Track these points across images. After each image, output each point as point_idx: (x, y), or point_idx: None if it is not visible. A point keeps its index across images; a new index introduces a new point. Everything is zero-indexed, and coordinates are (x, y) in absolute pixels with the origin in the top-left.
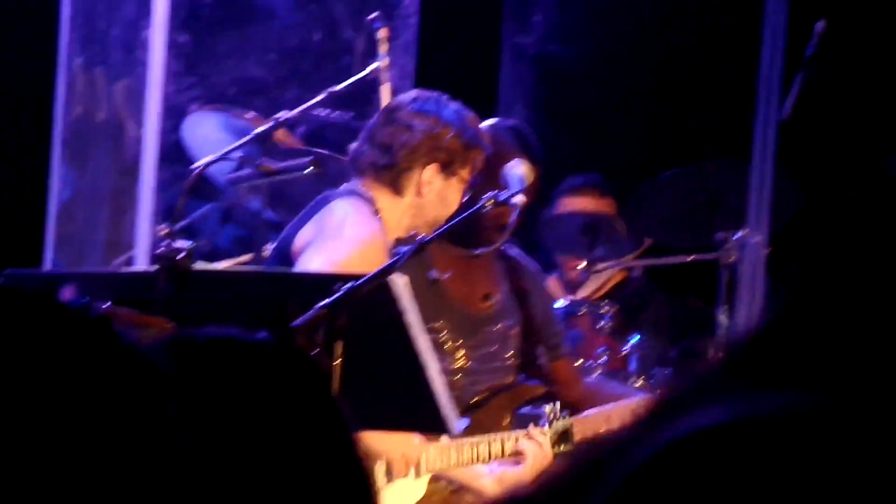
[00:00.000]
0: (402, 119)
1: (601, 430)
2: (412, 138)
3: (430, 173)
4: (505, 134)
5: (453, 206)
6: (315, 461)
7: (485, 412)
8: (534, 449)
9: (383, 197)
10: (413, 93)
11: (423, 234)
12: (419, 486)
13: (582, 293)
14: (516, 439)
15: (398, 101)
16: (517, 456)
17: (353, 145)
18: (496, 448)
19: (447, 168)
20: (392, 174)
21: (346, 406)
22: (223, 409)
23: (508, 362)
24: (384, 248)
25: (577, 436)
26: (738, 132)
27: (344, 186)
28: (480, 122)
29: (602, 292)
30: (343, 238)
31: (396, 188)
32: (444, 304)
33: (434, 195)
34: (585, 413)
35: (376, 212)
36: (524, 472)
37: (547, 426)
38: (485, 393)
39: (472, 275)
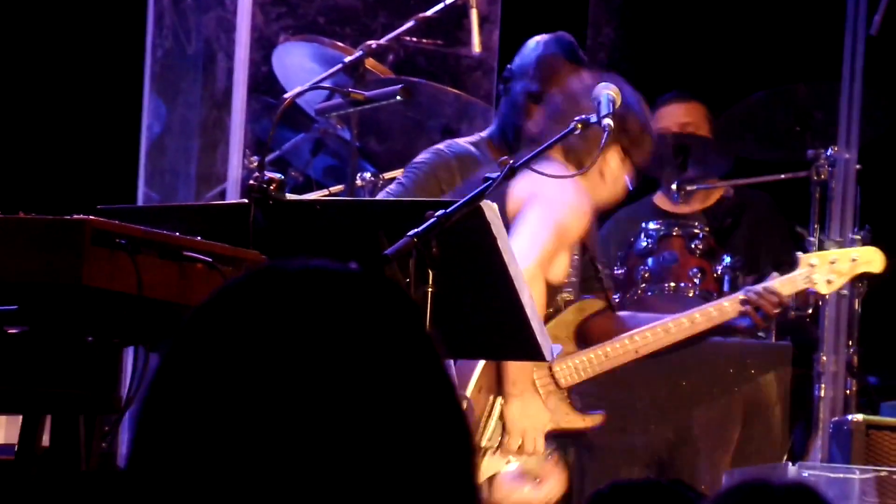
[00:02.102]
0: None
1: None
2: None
3: (613, 156)
4: (559, 47)
5: (622, 189)
6: (407, 393)
7: (552, 327)
8: (557, 476)
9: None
10: (588, 74)
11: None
12: None
13: (683, 209)
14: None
15: (577, 81)
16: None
17: (533, 123)
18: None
19: (626, 152)
20: (579, 154)
21: (438, 336)
22: (314, 340)
23: (571, 278)
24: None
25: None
26: (827, 49)
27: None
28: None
29: (703, 207)
30: (563, 201)
31: (579, 166)
32: None
33: (611, 177)
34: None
35: None
36: (539, 496)
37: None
38: (550, 310)
39: None
